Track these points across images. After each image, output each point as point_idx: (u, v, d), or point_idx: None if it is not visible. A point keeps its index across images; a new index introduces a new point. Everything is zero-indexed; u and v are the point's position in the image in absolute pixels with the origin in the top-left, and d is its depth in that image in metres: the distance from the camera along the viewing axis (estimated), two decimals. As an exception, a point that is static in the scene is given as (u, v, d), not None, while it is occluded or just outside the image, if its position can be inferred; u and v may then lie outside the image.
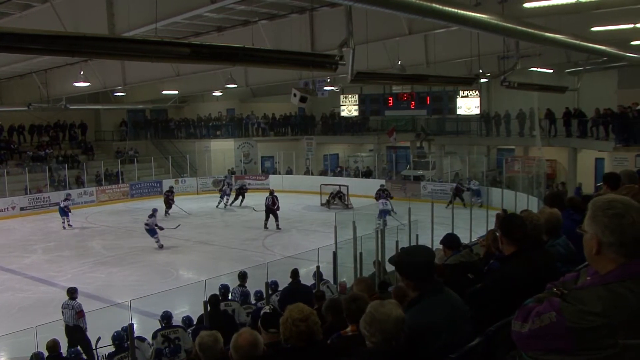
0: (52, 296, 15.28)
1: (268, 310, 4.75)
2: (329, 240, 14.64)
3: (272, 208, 23.17)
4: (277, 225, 23.05)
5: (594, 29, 14.37)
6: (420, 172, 31.33)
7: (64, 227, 24.46)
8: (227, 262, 17.79)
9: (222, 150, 36.56)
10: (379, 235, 13.45)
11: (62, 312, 11.01)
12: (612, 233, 2.01)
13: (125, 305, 10.57)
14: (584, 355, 1.93)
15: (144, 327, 10.55)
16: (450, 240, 6.20)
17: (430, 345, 3.07)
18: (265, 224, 23.16)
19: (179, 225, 23.17)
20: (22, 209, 28.05)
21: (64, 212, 24.49)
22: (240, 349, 3.72)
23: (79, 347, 9.64)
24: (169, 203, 26.89)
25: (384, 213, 21.81)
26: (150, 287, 14.47)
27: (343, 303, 4.74)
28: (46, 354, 8.75)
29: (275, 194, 23.99)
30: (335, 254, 13.04)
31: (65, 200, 25.14)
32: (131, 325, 8.55)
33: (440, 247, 6.44)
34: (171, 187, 29.62)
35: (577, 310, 1.94)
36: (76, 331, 10.78)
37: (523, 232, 3.71)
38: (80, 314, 10.85)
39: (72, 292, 11.14)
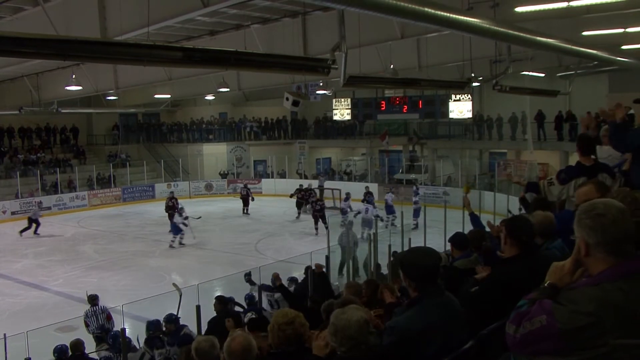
0: (43, 301, 15.23)
1: (253, 316, 4.74)
2: (321, 244, 14.63)
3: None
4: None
5: (584, 33, 14.44)
6: (412, 176, 31.35)
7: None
8: (220, 266, 17.76)
9: (215, 154, 36.53)
10: (372, 239, 13.47)
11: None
12: (595, 233, 2.06)
13: (118, 310, 10.55)
14: (576, 356, 1.96)
15: (136, 332, 10.50)
16: (460, 240, 6.01)
17: (423, 348, 3.06)
18: None
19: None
20: (13, 213, 27.92)
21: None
22: (234, 354, 3.71)
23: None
24: (247, 200, 27.93)
25: (368, 223, 20.43)
26: (143, 291, 14.44)
27: (335, 306, 4.75)
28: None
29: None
30: (328, 258, 13.03)
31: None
32: (123, 329, 8.54)
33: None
34: (246, 184, 30.26)
35: (568, 311, 1.97)
36: None
37: (529, 236, 3.70)
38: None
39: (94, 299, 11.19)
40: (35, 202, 27.66)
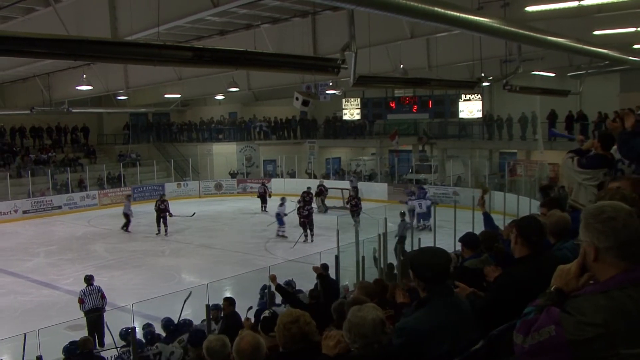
0: (55, 299, 15.30)
1: (267, 315, 4.74)
2: (331, 244, 14.62)
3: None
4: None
5: (596, 32, 14.37)
6: (422, 176, 31.30)
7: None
8: (230, 265, 17.78)
9: (225, 154, 36.61)
10: (382, 239, 13.44)
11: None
12: (606, 238, 2.01)
13: (128, 309, 10.60)
14: None
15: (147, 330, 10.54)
16: (471, 240, 5.99)
17: (433, 349, 3.06)
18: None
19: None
20: (24, 212, 28.09)
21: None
22: (243, 353, 3.71)
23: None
24: (265, 198, 28.94)
25: (421, 216, 21.52)
26: (153, 290, 14.48)
27: (345, 306, 4.76)
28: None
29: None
30: (337, 258, 13.02)
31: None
32: (133, 328, 8.57)
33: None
34: (264, 182, 31.11)
35: (576, 321, 1.92)
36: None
37: (539, 236, 3.67)
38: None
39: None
40: (125, 195, 28.19)
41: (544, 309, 2.07)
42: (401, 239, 16.85)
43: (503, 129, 31.40)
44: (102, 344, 11.58)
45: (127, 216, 24.45)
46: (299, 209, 21.71)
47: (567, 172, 6.01)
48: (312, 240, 20.87)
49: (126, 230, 24.32)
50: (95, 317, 11.82)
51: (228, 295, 11.10)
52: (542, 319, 2.02)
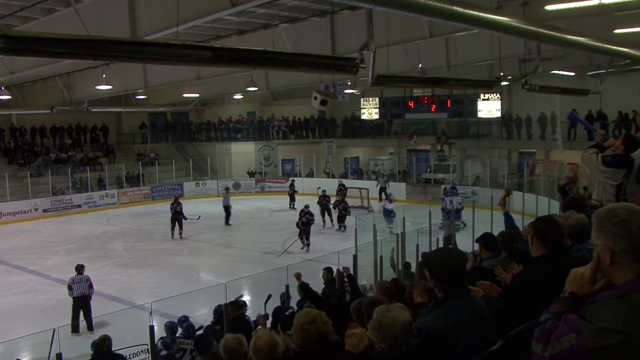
0: (74, 297, 15.43)
1: (288, 314, 4.72)
2: (349, 243, 14.60)
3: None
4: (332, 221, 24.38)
5: (616, 31, 14.19)
6: (440, 176, 31.20)
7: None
8: (248, 265, 17.84)
9: (243, 153, 36.73)
10: (399, 239, 13.41)
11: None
12: (622, 240, 1.97)
13: (146, 307, 10.64)
14: None
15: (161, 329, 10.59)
16: (488, 240, 5.95)
17: (449, 349, 3.04)
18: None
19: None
20: (44, 210, 28.37)
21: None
22: (260, 352, 3.71)
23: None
24: (293, 196, 29.54)
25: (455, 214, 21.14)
26: (171, 289, 14.53)
27: (363, 306, 4.74)
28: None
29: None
30: (355, 257, 13.01)
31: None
32: (151, 327, 8.61)
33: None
34: (292, 181, 31.36)
35: (596, 329, 1.88)
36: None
37: (556, 236, 3.64)
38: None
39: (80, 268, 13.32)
40: (224, 188, 29.15)
41: (561, 316, 2.03)
42: (448, 239, 16.84)
43: (522, 129, 31.20)
44: (90, 328, 12.48)
45: (227, 209, 25.06)
46: (302, 212, 20.87)
47: (590, 168, 6.01)
48: (307, 250, 19.98)
49: (227, 223, 25.00)
50: (80, 304, 12.87)
51: (245, 294, 11.11)
52: (561, 328, 1.98)
